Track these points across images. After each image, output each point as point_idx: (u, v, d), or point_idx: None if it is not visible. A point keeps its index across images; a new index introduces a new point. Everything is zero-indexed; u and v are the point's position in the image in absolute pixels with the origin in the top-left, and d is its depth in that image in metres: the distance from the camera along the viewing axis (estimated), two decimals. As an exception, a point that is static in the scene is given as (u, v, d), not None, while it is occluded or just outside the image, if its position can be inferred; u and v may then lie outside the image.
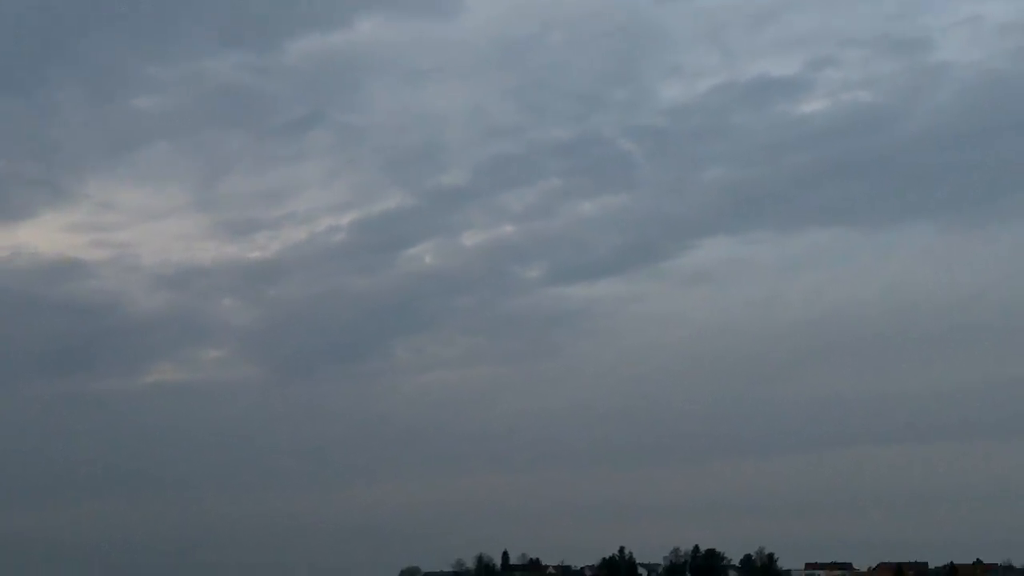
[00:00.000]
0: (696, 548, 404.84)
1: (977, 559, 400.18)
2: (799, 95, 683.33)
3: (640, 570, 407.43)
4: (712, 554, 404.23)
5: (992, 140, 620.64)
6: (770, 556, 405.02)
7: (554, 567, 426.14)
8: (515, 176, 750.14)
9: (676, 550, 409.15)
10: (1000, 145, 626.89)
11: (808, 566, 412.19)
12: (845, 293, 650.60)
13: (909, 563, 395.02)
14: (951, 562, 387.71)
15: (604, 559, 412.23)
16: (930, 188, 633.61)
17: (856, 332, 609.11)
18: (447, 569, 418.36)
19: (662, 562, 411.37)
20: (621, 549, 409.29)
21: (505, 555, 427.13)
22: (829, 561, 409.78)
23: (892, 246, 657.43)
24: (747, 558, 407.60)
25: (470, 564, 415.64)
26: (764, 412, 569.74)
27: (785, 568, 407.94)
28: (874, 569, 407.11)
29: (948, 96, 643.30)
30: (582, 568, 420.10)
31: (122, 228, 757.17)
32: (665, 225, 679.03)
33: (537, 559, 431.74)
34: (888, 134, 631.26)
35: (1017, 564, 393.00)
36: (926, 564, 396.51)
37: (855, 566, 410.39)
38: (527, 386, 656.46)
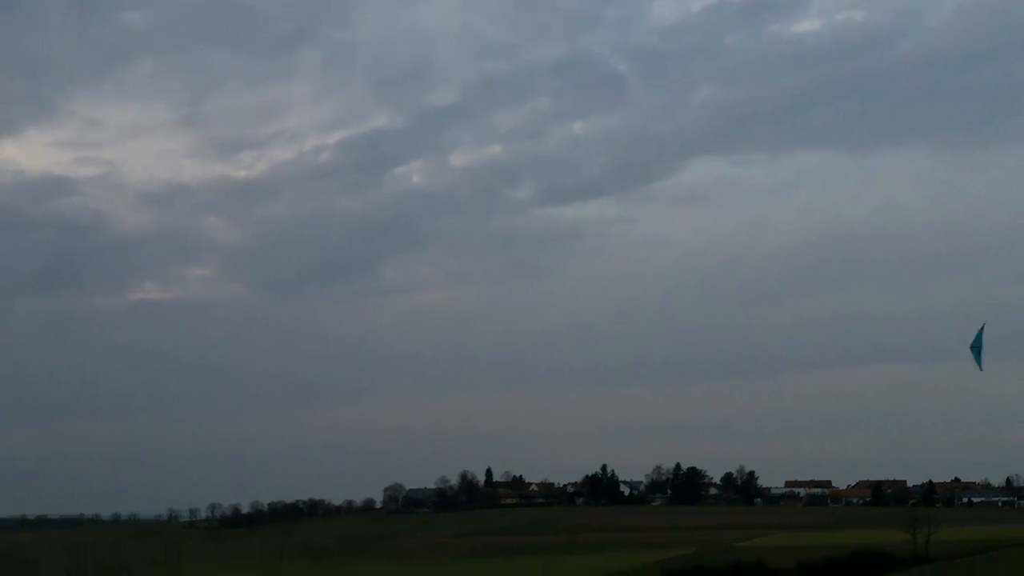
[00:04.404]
0: (678, 466, 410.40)
1: (955, 478, 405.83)
2: (794, 14, 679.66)
3: (622, 487, 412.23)
4: (693, 472, 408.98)
5: (988, 62, 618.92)
6: (751, 474, 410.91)
7: (537, 484, 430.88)
8: (504, 96, 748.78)
9: (658, 468, 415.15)
10: (996, 68, 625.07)
11: (788, 484, 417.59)
12: (835, 215, 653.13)
13: (888, 481, 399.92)
14: (929, 480, 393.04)
15: (587, 476, 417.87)
16: (924, 111, 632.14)
17: (845, 255, 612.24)
18: (431, 486, 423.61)
19: (644, 479, 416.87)
20: (603, 467, 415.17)
21: (489, 472, 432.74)
22: (808, 479, 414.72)
23: (884, 169, 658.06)
24: (728, 476, 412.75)
25: (454, 481, 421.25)
26: (750, 334, 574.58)
27: (766, 486, 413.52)
28: (853, 487, 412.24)
29: (944, 17, 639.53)
30: (565, 485, 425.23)
31: (108, 145, 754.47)
32: (655, 146, 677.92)
33: (520, 476, 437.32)
34: (882, 55, 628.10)
35: (995, 483, 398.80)
36: (904, 482, 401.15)
37: (834, 484, 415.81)
38: (514, 307, 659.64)
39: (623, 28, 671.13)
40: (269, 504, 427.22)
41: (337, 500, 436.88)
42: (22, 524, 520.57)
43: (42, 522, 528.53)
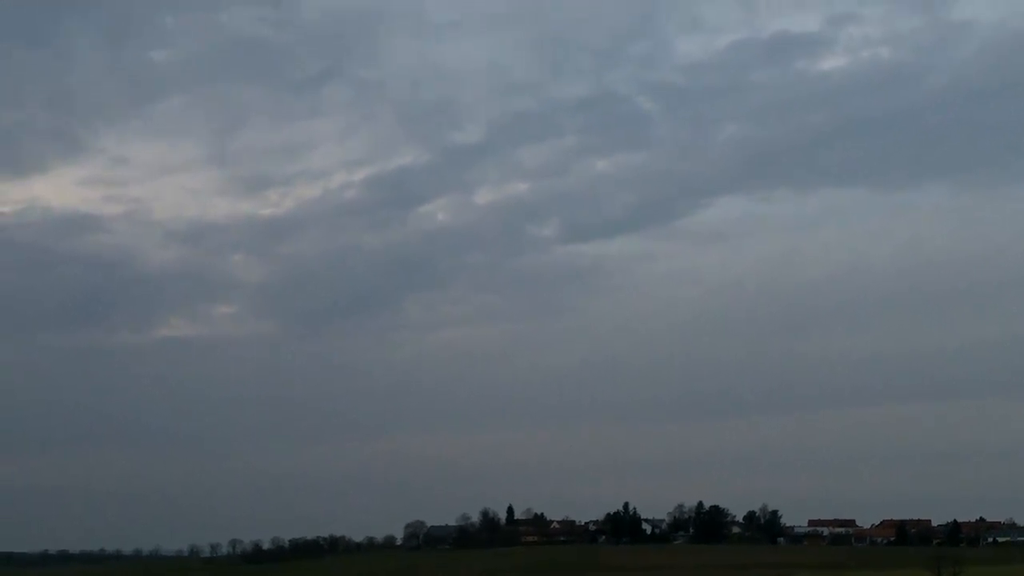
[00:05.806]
0: (700, 504, 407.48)
1: (980, 517, 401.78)
2: (819, 52, 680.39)
3: (644, 525, 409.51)
4: (716, 510, 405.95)
5: (1011, 99, 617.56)
6: (774, 513, 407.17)
7: (558, 522, 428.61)
8: (530, 133, 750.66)
9: (680, 506, 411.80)
10: (1019, 105, 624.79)
11: (812, 523, 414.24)
12: (859, 252, 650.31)
13: (912, 520, 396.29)
14: (954, 520, 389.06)
15: (608, 514, 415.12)
16: (947, 147, 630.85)
17: (868, 291, 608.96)
18: (452, 523, 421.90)
19: (666, 518, 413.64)
20: (625, 505, 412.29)
21: (510, 510, 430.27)
22: (832, 518, 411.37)
23: (907, 205, 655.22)
24: (751, 515, 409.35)
25: (475, 519, 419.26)
26: (773, 370, 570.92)
27: (789, 525, 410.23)
28: (877, 526, 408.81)
29: (969, 54, 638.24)
30: (586, 523, 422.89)
31: (135, 183, 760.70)
32: (680, 183, 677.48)
33: (542, 514, 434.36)
34: (907, 92, 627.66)
35: (1020, 522, 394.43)
36: (929, 522, 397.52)
37: (858, 523, 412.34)
38: (537, 344, 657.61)
39: (648, 65, 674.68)
40: (290, 540, 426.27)
41: (358, 537, 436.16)
42: (44, 559, 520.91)
43: (64, 557, 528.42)
